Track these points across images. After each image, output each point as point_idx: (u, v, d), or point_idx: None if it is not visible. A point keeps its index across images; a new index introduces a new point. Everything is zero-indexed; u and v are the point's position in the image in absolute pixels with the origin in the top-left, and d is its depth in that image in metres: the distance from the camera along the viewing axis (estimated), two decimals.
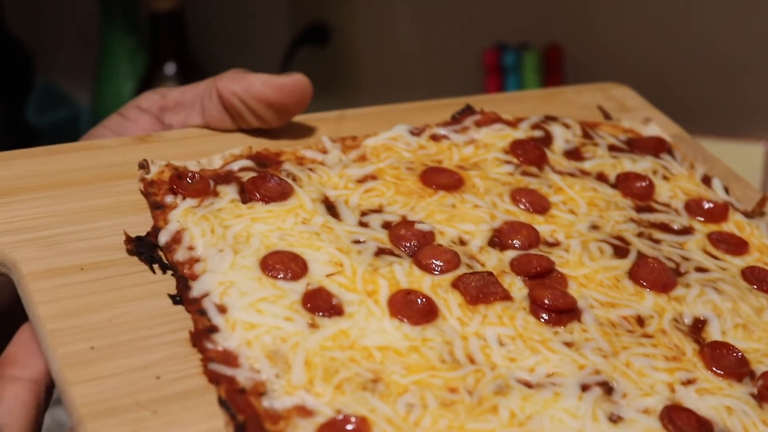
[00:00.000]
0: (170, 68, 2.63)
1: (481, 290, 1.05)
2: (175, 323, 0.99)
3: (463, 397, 0.95)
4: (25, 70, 2.93)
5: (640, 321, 1.07)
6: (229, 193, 1.14)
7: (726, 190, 1.31)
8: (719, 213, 1.25)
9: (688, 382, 1.01)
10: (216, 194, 1.13)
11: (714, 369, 1.02)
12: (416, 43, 2.57)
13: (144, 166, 1.16)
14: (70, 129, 2.85)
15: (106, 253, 1.06)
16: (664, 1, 2.27)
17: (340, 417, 0.90)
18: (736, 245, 1.21)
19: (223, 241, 1.07)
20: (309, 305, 1.01)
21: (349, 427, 0.89)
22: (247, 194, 1.13)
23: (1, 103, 2.87)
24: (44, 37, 2.85)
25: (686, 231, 1.22)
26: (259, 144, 1.25)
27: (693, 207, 1.26)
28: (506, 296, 1.06)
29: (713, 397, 1.00)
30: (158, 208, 1.11)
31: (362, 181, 1.20)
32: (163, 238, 1.08)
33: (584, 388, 0.98)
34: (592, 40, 2.34)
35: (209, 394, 0.93)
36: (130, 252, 1.06)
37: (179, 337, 0.98)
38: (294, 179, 1.17)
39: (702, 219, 1.24)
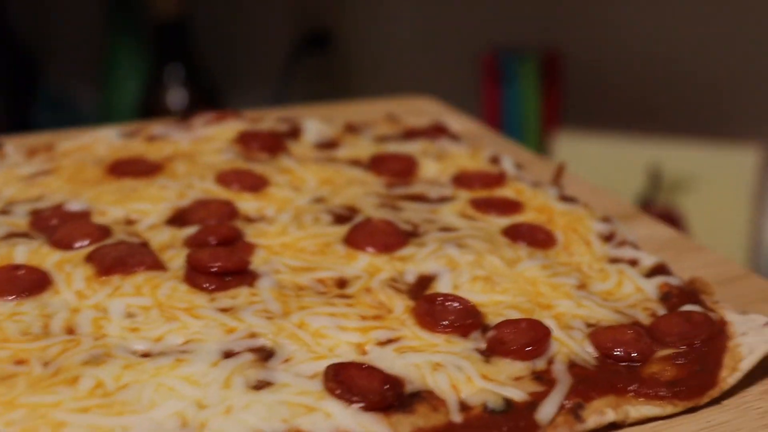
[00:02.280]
0: (174, 73, 2.53)
1: (120, 260, 0.79)
2: None
3: (33, 369, 0.67)
4: (30, 75, 2.81)
5: (342, 283, 0.80)
6: None
7: (519, 167, 1.05)
8: (494, 181, 0.99)
9: (388, 342, 0.73)
10: None
11: (429, 324, 0.74)
12: (416, 48, 2.52)
13: None
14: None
15: None
16: (661, 7, 2.21)
17: None
18: (508, 206, 0.94)
19: None
20: None
21: None
22: None
23: (6, 108, 2.74)
24: (49, 43, 2.76)
25: (444, 199, 0.96)
26: None
27: (463, 179, 1.00)
28: (155, 265, 0.80)
29: (418, 354, 0.71)
30: None
31: (31, 178, 0.96)
32: None
33: (228, 355, 0.70)
34: (590, 46, 2.28)
35: None
36: None
37: None
38: None
39: (471, 188, 0.98)
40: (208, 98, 2.62)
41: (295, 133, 1.09)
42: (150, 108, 2.59)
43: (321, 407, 0.65)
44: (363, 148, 1.07)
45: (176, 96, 2.55)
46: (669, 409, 0.69)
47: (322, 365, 0.69)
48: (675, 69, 2.30)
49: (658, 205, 1.95)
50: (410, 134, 1.11)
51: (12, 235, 0.84)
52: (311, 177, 0.98)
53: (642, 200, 1.97)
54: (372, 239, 0.85)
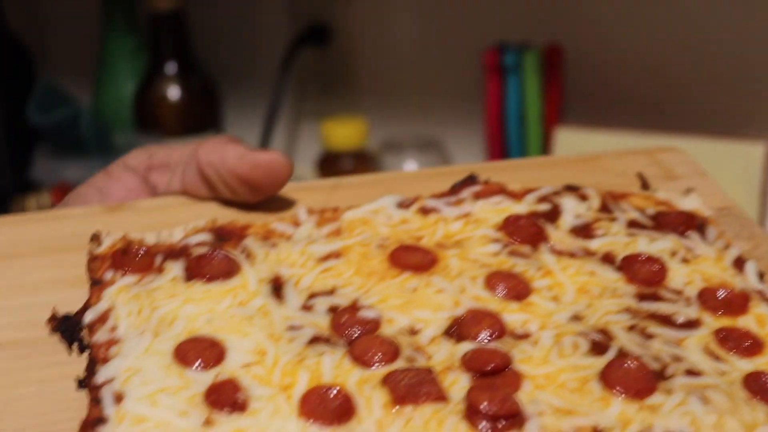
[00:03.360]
0: (171, 68, 2.66)
1: (411, 389, 0.94)
2: (71, 411, 0.93)
3: None
4: (25, 70, 2.95)
5: None
6: (173, 270, 1.07)
7: (761, 276, 1.13)
8: (736, 303, 1.08)
9: None
10: (160, 271, 1.07)
11: None
12: (417, 43, 2.59)
13: (95, 238, 1.11)
14: (71, 129, 2.84)
15: (30, 331, 1.02)
16: (665, 1, 2.21)
17: None
18: (749, 345, 1.03)
19: (147, 323, 1.00)
20: (211, 399, 0.92)
21: None
22: (191, 271, 1.06)
23: (1, 103, 2.90)
24: (45, 37, 2.90)
25: (691, 325, 1.06)
26: (234, 215, 1.18)
27: (707, 296, 1.09)
28: (440, 397, 0.94)
29: None
30: (96, 284, 1.06)
31: (325, 258, 1.11)
32: (88, 316, 1.02)
33: None
34: (592, 40, 2.34)
35: None
36: (53, 330, 1.01)
37: (72, 426, 0.91)
38: (248, 256, 1.09)
39: (716, 311, 1.07)
40: (205, 93, 2.68)
41: (555, 214, 1.19)
42: (146, 102, 2.67)
43: None
44: (616, 239, 1.16)
45: (173, 90, 2.61)
46: None
47: None
48: (679, 63, 2.29)
49: None
50: (661, 221, 1.20)
51: (317, 339, 1.00)
52: (569, 283, 1.09)
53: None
54: (625, 382, 0.96)
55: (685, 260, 1.14)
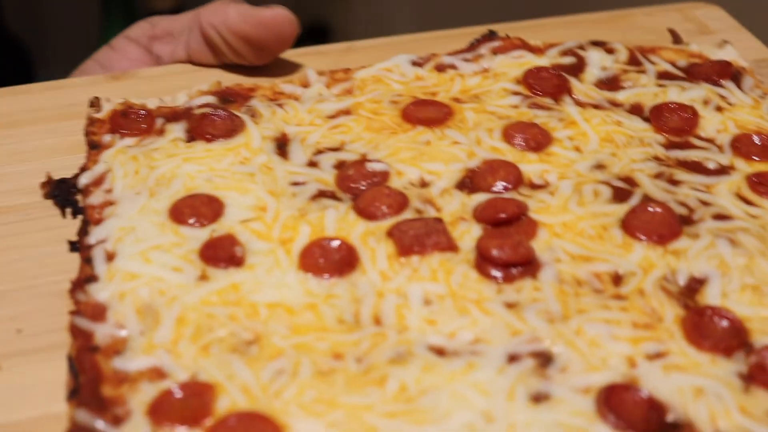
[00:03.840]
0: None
1: (418, 239, 0.88)
2: (63, 273, 0.89)
3: (348, 365, 0.79)
4: (23, 68, 2.91)
5: (617, 279, 0.86)
6: (174, 131, 1.02)
7: None
8: None
9: (657, 356, 0.80)
10: (161, 132, 1.02)
11: (696, 340, 0.80)
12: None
13: (94, 104, 1.06)
14: None
15: (24, 196, 0.98)
16: None
17: (182, 385, 0.77)
18: None
19: (143, 183, 0.96)
20: (206, 254, 0.88)
21: (190, 393, 0.76)
22: (193, 132, 1.02)
23: None
24: (43, 36, 2.86)
25: (722, 171, 0.99)
26: (240, 80, 1.13)
27: (742, 142, 1.02)
28: (449, 246, 0.88)
29: (683, 375, 0.78)
30: (94, 148, 1.02)
31: (334, 116, 1.05)
32: (84, 180, 0.98)
33: (512, 358, 0.79)
34: None
35: (66, 350, 0.82)
36: (46, 195, 0.97)
37: (60, 289, 0.88)
38: (253, 115, 1.04)
39: (750, 157, 1.00)
40: None
41: (579, 67, 1.12)
42: None
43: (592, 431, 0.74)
44: (645, 90, 1.09)
45: None
46: None
47: (595, 378, 0.78)
48: None
49: None
50: (693, 71, 1.12)
51: (321, 194, 0.95)
52: (593, 133, 1.02)
53: None
54: (648, 228, 0.90)
55: (718, 108, 1.07)
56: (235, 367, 0.78)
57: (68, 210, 0.96)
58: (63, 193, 0.97)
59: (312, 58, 1.17)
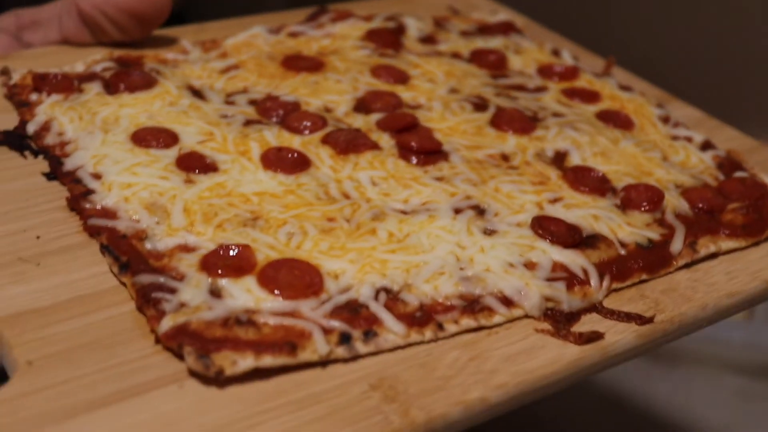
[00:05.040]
0: None
1: (350, 142, 1.09)
2: (51, 195, 1.00)
3: (342, 224, 0.97)
4: None
5: (505, 157, 1.12)
6: (93, 89, 1.15)
7: (575, 59, 1.37)
8: (570, 73, 1.32)
9: (555, 200, 1.06)
10: (81, 91, 1.15)
11: (579, 188, 1.07)
12: None
13: (5, 72, 1.16)
14: None
15: None
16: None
17: (221, 247, 0.92)
18: (589, 95, 1.27)
19: (92, 125, 1.08)
20: (183, 165, 1.02)
21: (232, 252, 0.91)
22: (111, 87, 1.15)
23: None
24: None
25: (540, 89, 1.28)
26: (120, 54, 1.26)
27: (545, 71, 1.32)
28: (375, 146, 1.10)
29: (580, 209, 1.04)
30: (23, 106, 1.12)
31: (226, 71, 1.23)
32: (31, 128, 1.08)
33: (457, 211, 1.01)
34: (597, 36, 2.16)
35: (90, 247, 0.93)
36: (0, 143, 1.07)
37: (57, 205, 0.98)
38: (158, 73, 1.19)
39: (555, 80, 1.31)
40: None
41: (401, 30, 1.38)
42: None
43: (538, 246, 0.99)
44: (458, 43, 1.37)
45: None
46: (743, 243, 1.06)
47: (521, 218, 1.02)
48: (685, 58, 2.25)
49: None
50: (485, 30, 1.42)
51: (250, 122, 1.13)
52: (437, 70, 1.28)
53: None
54: (512, 124, 1.17)
55: (517, 51, 1.37)
56: (254, 235, 0.94)
57: (27, 153, 1.06)
58: (15, 139, 1.07)
59: (174, 34, 1.33)
